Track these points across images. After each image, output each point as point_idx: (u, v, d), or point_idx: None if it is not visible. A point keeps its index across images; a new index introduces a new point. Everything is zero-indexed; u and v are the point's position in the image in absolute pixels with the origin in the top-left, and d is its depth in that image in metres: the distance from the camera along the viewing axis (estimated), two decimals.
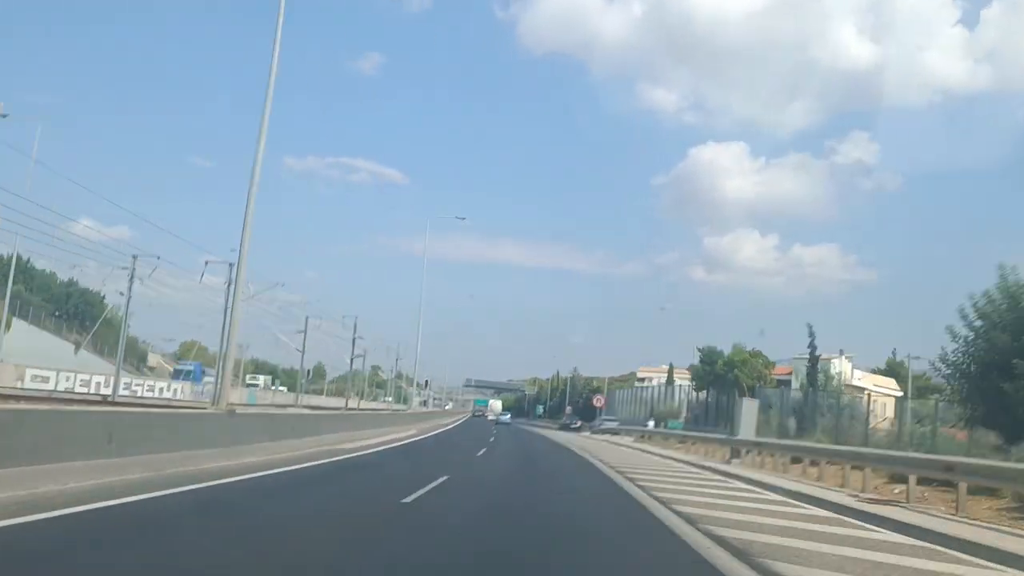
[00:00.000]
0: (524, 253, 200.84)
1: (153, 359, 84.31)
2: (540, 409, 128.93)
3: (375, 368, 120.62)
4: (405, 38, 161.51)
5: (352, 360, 61.76)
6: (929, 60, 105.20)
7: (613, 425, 56.06)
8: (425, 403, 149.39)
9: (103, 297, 76.54)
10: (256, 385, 77.49)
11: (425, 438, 31.88)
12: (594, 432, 55.79)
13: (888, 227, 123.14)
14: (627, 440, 39.86)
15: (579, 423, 70.89)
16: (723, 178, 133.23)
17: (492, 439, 35.13)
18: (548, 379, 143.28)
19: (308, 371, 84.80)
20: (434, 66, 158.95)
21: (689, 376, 62.82)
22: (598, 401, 53.54)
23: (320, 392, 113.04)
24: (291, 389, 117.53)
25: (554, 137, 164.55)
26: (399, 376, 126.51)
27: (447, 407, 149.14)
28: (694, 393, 52.37)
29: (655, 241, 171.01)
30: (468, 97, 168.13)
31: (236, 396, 70.64)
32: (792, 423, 40.28)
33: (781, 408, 41.45)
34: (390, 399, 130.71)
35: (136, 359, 77.05)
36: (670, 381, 68.34)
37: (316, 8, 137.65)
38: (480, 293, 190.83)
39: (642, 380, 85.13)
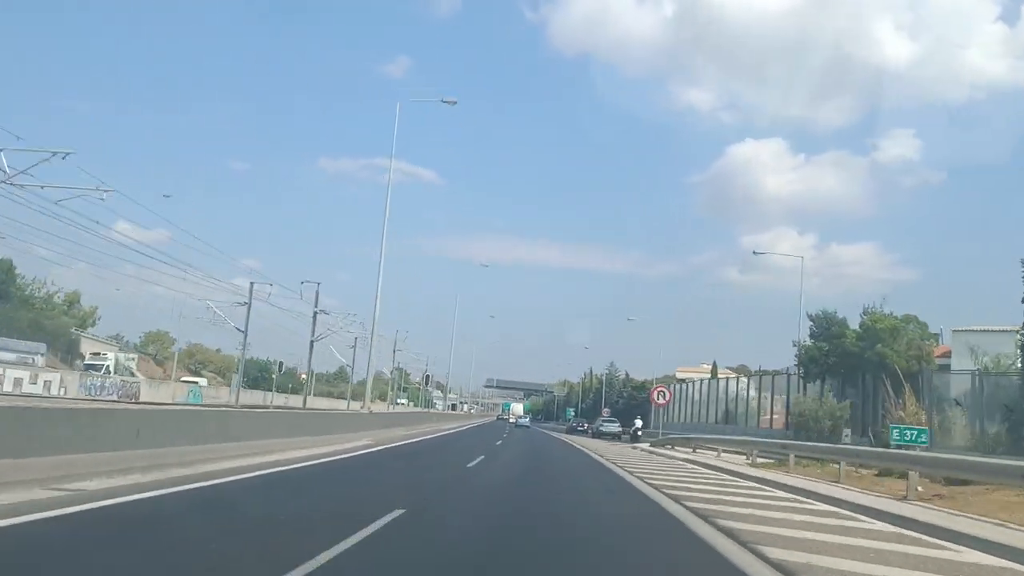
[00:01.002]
0: (555, 254, 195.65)
1: (94, 348, 69.16)
2: (571, 412, 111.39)
3: (400, 371, 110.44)
4: (434, 41, 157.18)
5: (313, 343, 45.68)
6: (969, 57, 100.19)
7: (615, 428, 50.05)
8: (454, 407, 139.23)
9: (13, 267, 61.65)
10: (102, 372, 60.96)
11: (331, 460, 15.81)
12: (595, 435, 49.49)
13: (929, 225, 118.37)
14: (705, 458, 23.05)
15: (585, 425, 66.64)
16: (760, 175, 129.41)
17: (474, 463, 18.82)
18: (579, 381, 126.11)
19: (280, 364, 69.22)
20: (463, 69, 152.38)
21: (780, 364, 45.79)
22: (660, 396, 35.90)
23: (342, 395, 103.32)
24: (294, 391, 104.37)
25: (586, 137, 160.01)
26: (426, 380, 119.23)
27: (466, 409, 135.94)
28: (798, 385, 35.29)
29: (689, 241, 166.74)
30: (498, 99, 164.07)
31: (166, 393, 55.57)
32: (1000, 431, 24.09)
33: (982, 406, 24.97)
34: (404, 401, 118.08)
35: (63, 348, 62.04)
36: (714, 378, 57.36)
37: (346, 12, 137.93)
38: (508, 295, 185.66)
39: (682, 381, 72.67)
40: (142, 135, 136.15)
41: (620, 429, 48.54)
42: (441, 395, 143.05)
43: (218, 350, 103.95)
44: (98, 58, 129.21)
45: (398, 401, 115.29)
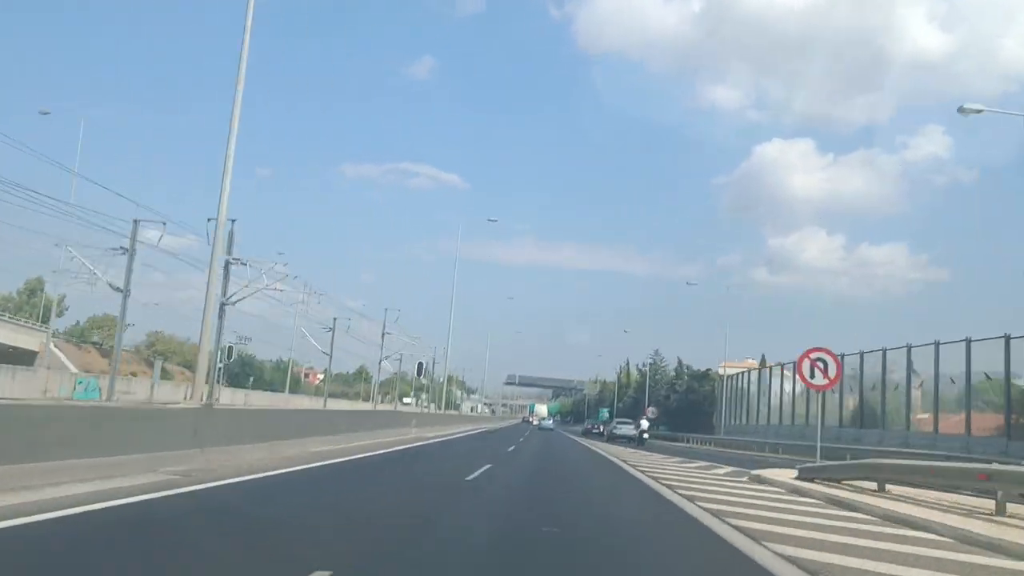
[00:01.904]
0: (580, 256, 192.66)
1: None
2: (604, 412, 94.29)
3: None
4: (458, 40, 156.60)
5: (224, 305, 30.02)
6: (1006, 49, 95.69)
7: (630, 431, 45.35)
8: (477, 408, 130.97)
9: None
10: None
11: None
12: (609, 439, 46.01)
13: (962, 223, 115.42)
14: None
15: (601, 427, 64.04)
16: (788, 175, 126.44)
17: None
18: (615, 378, 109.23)
19: (229, 348, 54.09)
20: (487, 68, 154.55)
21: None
22: (818, 371, 18.16)
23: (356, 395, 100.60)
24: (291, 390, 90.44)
25: (614, 137, 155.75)
26: (419, 369, 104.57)
27: (480, 410, 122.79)
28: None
29: (716, 242, 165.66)
30: (521, 98, 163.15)
31: (32, 386, 40.33)
32: None
33: None
34: (409, 401, 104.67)
35: None
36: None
37: (371, 13, 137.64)
38: (536, 296, 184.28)
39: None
40: (161, 139, 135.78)
41: (635, 431, 43.86)
42: (468, 396, 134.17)
43: (187, 339, 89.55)
44: (113, 61, 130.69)
45: (404, 400, 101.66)
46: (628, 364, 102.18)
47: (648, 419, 50.58)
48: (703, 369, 57.68)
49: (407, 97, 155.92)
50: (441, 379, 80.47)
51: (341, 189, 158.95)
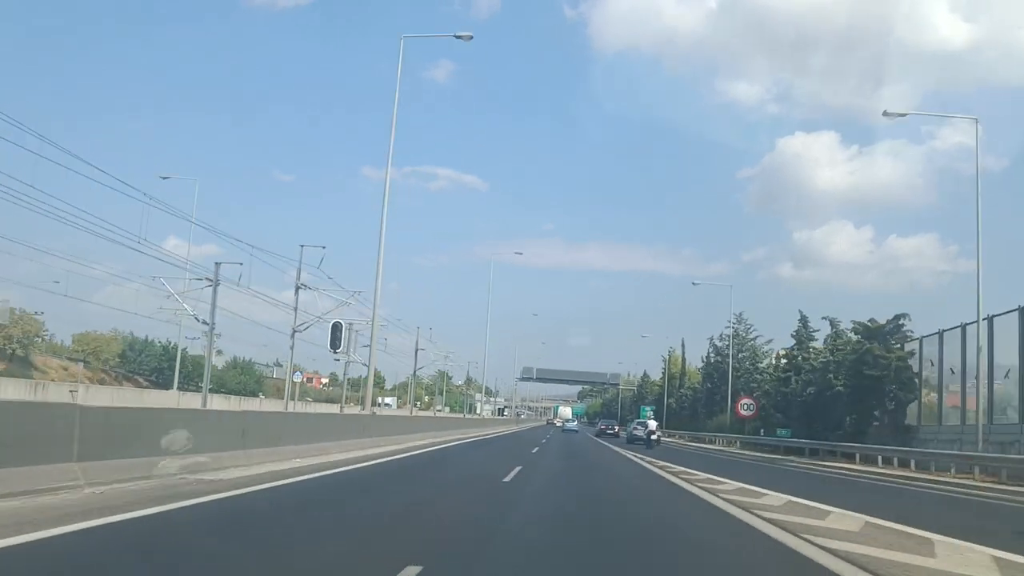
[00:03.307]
0: (607, 257, 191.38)
1: None
2: (646, 411, 69.83)
3: (441, 374, 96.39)
4: (476, 43, 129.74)
5: None
6: None
7: (641, 433, 42.83)
8: (501, 411, 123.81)
9: None
10: None
11: None
12: (630, 441, 44.87)
13: (992, 213, 79.55)
14: None
15: (615, 428, 64.37)
16: (812, 168, 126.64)
17: None
18: (660, 371, 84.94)
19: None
20: (506, 69, 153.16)
21: None
22: None
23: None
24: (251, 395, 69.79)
25: (630, 136, 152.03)
26: (467, 382, 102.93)
27: (481, 410, 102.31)
28: None
29: (741, 238, 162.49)
30: (542, 100, 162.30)
31: None
32: None
33: None
34: (390, 402, 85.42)
35: None
36: None
37: (388, 19, 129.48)
38: (562, 297, 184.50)
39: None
40: (187, 147, 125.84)
41: (645, 433, 40.39)
42: (490, 398, 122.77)
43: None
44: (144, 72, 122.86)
45: (385, 402, 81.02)
46: (683, 346, 77.16)
47: (638, 421, 51.24)
48: (885, 322, 30.90)
49: (426, 100, 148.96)
50: (372, 362, 58.85)
51: (365, 193, 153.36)
